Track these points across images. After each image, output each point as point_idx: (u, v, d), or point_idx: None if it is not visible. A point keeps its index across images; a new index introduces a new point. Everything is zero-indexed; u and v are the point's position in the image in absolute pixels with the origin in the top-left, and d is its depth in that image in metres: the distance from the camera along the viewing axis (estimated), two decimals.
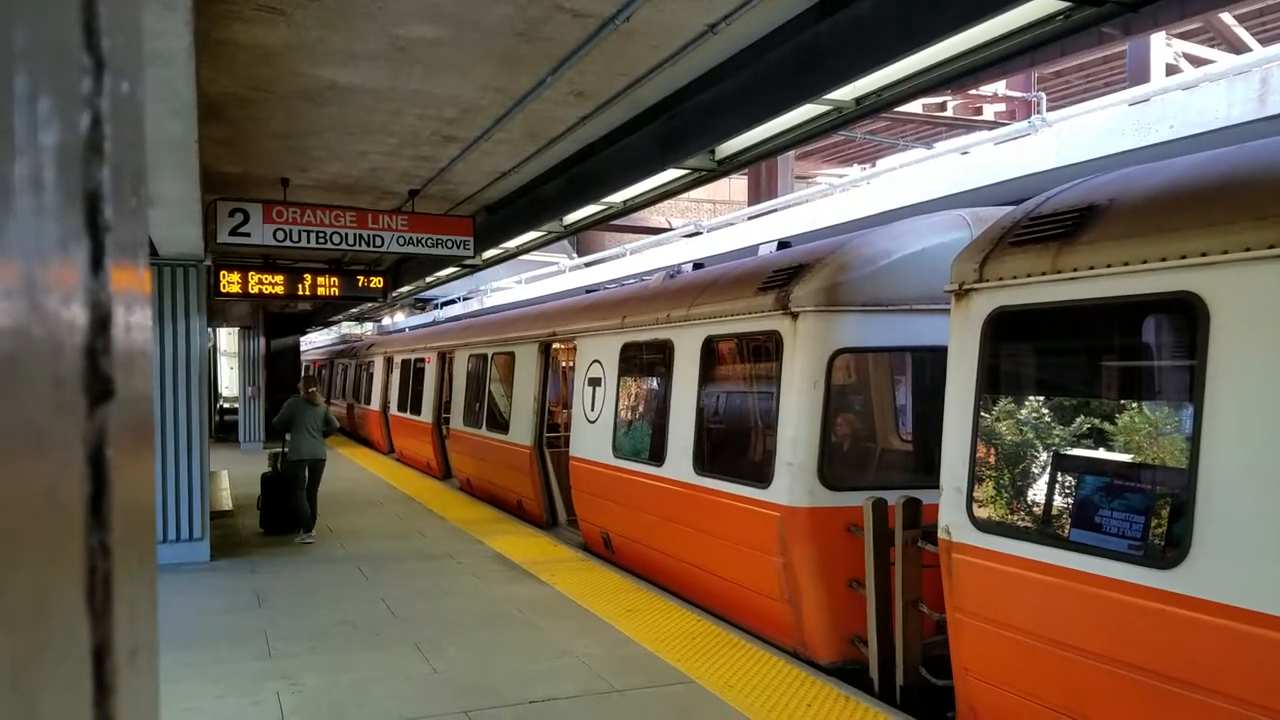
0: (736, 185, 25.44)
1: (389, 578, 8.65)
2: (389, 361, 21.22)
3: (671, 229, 19.28)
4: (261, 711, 5.37)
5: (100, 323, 0.48)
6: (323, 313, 25.41)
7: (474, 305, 25.71)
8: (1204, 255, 3.77)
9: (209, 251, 9.91)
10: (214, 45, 5.78)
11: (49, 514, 0.43)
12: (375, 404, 22.11)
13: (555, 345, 11.90)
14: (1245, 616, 3.51)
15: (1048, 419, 5.19)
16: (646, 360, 9.17)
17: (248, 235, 9.20)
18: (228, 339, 34.58)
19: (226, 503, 12.74)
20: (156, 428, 9.19)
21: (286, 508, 10.63)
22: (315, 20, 5.52)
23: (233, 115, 7.43)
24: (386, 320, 34.33)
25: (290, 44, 5.89)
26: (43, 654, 0.42)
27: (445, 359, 16.65)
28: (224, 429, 26.38)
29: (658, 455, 8.32)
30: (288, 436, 10.79)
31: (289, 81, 6.62)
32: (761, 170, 19.97)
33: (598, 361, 9.86)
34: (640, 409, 9.48)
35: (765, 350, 7.20)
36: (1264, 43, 13.83)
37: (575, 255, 25.19)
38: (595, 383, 9.84)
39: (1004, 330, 4.84)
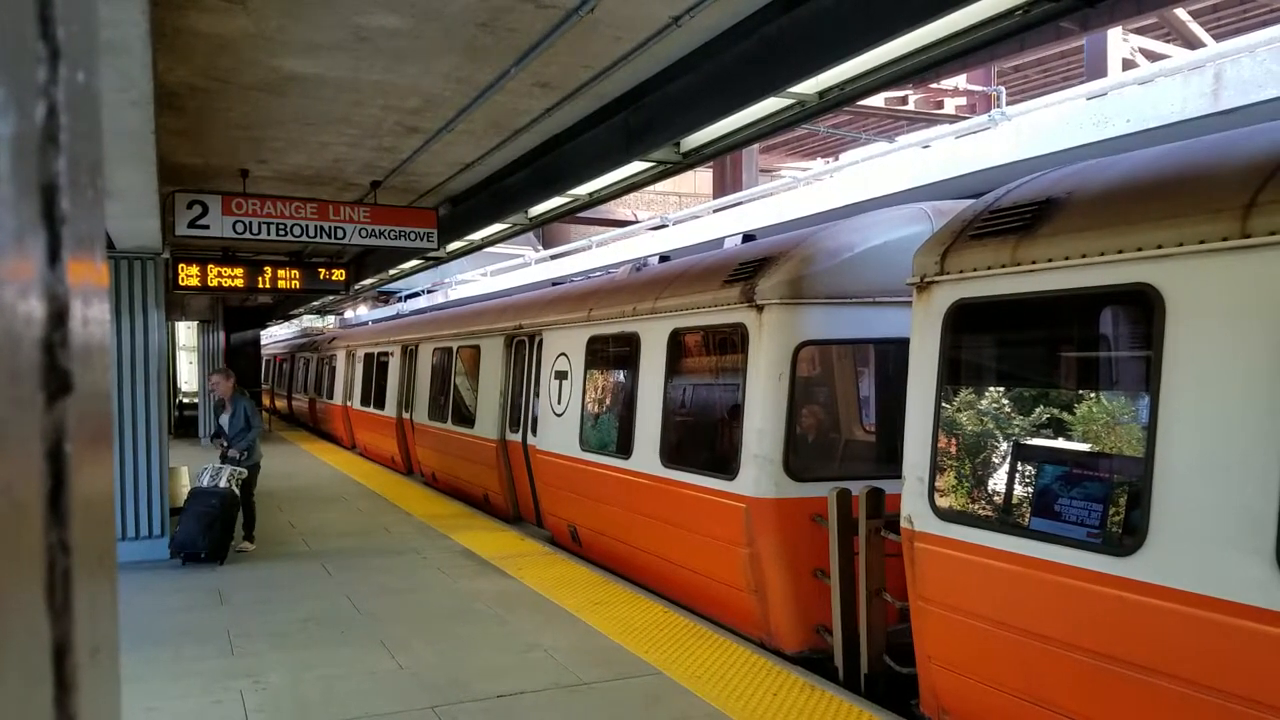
0: (702, 178, 25.49)
1: (353, 574, 8.58)
2: (351, 355, 21.02)
3: (637, 222, 19.27)
4: (224, 710, 5.31)
5: (57, 316, 0.47)
6: (283, 306, 25.09)
7: (439, 298, 25.57)
8: (1160, 248, 3.84)
9: (167, 244, 9.74)
10: (171, 34, 5.68)
11: (7, 510, 0.42)
12: (338, 398, 21.91)
13: (520, 338, 11.86)
14: (1200, 602, 3.59)
15: (1008, 409, 5.27)
16: (613, 353, 9.17)
17: (206, 227, 9.06)
18: (186, 333, 34.04)
19: None
20: (115, 423, 9.02)
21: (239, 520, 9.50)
22: (274, 9, 5.44)
23: (191, 105, 7.31)
24: (349, 314, 34.03)
25: (249, 33, 5.80)
26: (2, 652, 0.41)
27: (409, 352, 16.53)
28: (183, 424, 25.98)
29: (625, 448, 8.32)
30: (249, 440, 9.84)
31: (248, 71, 6.53)
32: (726, 163, 20.01)
33: (564, 355, 9.84)
34: (607, 402, 9.48)
35: (731, 343, 7.23)
36: (1218, 38, 14.09)
37: (541, 248, 25.13)
38: (562, 376, 9.83)
39: (965, 322, 4.90)
